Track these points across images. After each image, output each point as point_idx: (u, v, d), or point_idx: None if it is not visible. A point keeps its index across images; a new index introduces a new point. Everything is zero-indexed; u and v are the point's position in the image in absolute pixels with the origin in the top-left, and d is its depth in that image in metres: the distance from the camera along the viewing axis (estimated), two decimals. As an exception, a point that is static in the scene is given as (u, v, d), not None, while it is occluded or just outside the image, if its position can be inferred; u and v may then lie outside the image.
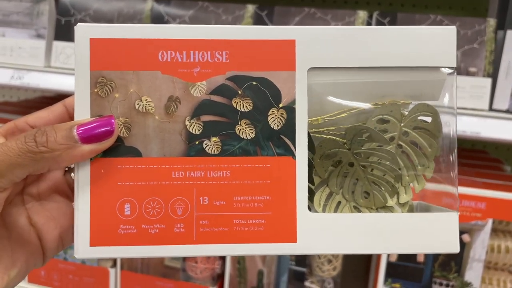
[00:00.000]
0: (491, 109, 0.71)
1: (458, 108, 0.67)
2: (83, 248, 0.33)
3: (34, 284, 0.89)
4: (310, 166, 0.36)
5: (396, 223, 0.35)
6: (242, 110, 0.34)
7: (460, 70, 0.72)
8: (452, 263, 0.71)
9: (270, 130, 0.34)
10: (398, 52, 0.34)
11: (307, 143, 0.34)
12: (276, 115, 0.34)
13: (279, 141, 0.34)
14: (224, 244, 0.33)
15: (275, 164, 0.34)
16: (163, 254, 0.33)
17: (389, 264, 0.73)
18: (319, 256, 0.79)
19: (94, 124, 0.32)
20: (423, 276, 0.72)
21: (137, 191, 0.33)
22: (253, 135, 0.34)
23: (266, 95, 0.34)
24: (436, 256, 0.71)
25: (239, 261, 0.80)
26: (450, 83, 0.36)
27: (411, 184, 0.38)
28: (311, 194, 0.37)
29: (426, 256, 0.71)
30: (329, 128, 0.37)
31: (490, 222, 0.69)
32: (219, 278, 0.84)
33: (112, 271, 0.86)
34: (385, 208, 0.38)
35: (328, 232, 0.34)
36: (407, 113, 0.37)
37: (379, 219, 0.35)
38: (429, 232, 0.35)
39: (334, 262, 0.79)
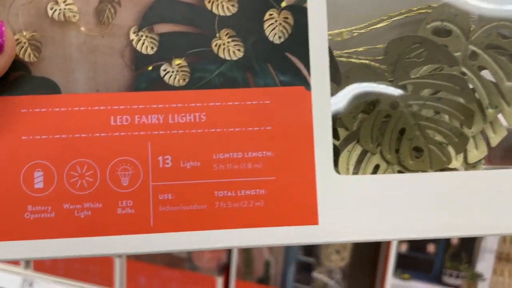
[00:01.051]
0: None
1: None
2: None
3: (39, 273, 0.86)
4: (332, 107, 0.23)
5: (470, 188, 0.22)
6: (222, 13, 0.21)
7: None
8: (463, 254, 0.68)
9: (269, 45, 0.21)
10: None
11: (328, 64, 0.21)
12: (277, 21, 0.21)
13: (283, 63, 0.21)
14: (201, 232, 0.21)
15: (278, 99, 0.21)
16: (100, 251, 0.20)
17: (399, 255, 0.70)
18: (326, 246, 0.76)
19: None
20: (433, 267, 0.71)
21: (55, 149, 0.20)
22: (241, 54, 0.21)
23: None
24: (447, 247, 0.68)
25: (246, 250, 0.79)
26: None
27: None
28: (334, 154, 0.25)
29: (437, 246, 0.69)
30: (358, 49, 0.24)
31: (503, 211, 0.67)
32: (225, 268, 0.82)
33: (117, 260, 0.84)
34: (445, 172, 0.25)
35: (370, 204, 0.21)
36: (474, 25, 0.24)
37: (447, 181, 0.22)
38: None
39: (342, 252, 0.76)
